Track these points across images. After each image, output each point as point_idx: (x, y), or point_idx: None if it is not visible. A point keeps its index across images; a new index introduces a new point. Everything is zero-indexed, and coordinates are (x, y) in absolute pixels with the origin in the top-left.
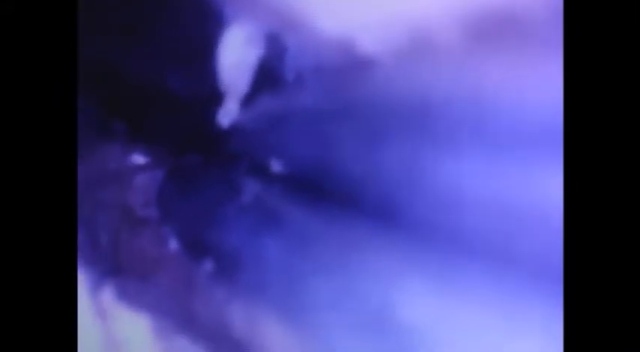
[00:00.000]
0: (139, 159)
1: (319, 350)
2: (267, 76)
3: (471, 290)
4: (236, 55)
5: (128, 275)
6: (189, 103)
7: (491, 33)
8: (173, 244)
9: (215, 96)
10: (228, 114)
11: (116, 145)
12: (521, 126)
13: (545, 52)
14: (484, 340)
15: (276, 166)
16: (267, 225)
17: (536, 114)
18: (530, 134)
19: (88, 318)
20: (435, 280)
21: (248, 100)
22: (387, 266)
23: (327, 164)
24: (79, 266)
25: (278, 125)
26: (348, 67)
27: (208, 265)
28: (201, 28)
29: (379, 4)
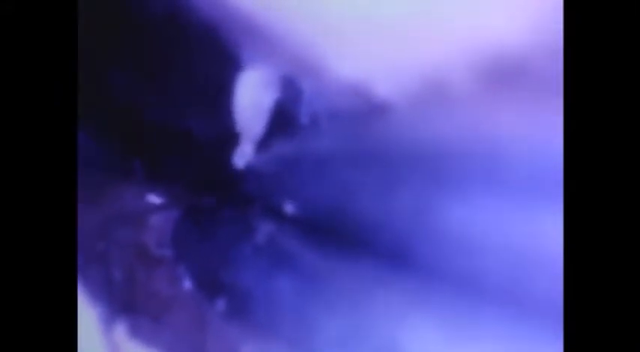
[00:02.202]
0: (154, 199)
1: None
2: (283, 119)
3: (478, 333)
4: (252, 98)
5: (141, 313)
6: (205, 145)
7: (504, 80)
8: (187, 283)
9: (230, 139)
10: (243, 156)
11: (132, 185)
12: (532, 173)
13: (559, 100)
14: None
15: (289, 209)
16: (280, 266)
17: (548, 162)
18: (541, 181)
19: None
20: (444, 322)
21: (263, 143)
22: (397, 308)
23: (340, 207)
24: (92, 302)
25: (292, 168)
26: (362, 112)
27: (221, 304)
28: (217, 71)
29: (394, 50)
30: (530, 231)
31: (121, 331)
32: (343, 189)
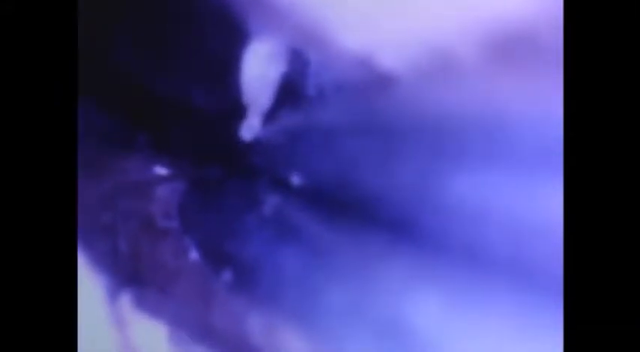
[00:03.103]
0: (161, 170)
1: None
2: (289, 91)
3: (480, 301)
4: (258, 70)
5: (147, 284)
6: (212, 117)
7: (509, 53)
8: (193, 255)
9: (237, 111)
10: (250, 128)
11: (139, 157)
12: (536, 146)
13: (562, 73)
14: (492, 348)
15: (295, 180)
16: (286, 237)
17: (552, 135)
18: (545, 154)
19: (106, 325)
20: (446, 291)
21: (270, 115)
22: (401, 277)
23: (346, 179)
24: (98, 273)
25: (299, 140)
26: (368, 84)
27: (227, 276)
28: (224, 43)
29: (400, 21)
30: (533, 204)
31: (126, 302)
32: (349, 161)
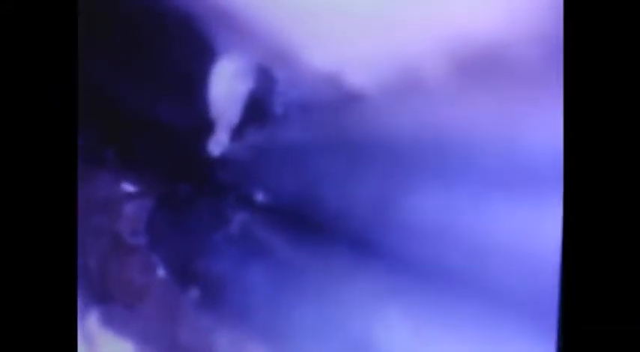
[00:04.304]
0: (129, 187)
1: None
2: (257, 108)
3: (444, 319)
4: (226, 88)
5: (115, 302)
6: (180, 134)
7: (479, 70)
8: (160, 272)
9: (205, 128)
10: (217, 145)
11: (107, 173)
12: (504, 162)
13: (533, 90)
14: None
15: (262, 197)
16: (253, 255)
17: (520, 152)
18: (513, 171)
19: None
20: (411, 309)
21: (237, 132)
22: (366, 295)
23: (311, 196)
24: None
25: (265, 157)
26: (335, 102)
27: (195, 293)
28: (192, 61)
29: (368, 39)
30: (498, 220)
31: (94, 320)
32: (316, 178)
